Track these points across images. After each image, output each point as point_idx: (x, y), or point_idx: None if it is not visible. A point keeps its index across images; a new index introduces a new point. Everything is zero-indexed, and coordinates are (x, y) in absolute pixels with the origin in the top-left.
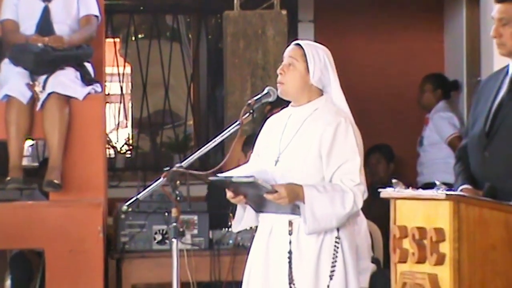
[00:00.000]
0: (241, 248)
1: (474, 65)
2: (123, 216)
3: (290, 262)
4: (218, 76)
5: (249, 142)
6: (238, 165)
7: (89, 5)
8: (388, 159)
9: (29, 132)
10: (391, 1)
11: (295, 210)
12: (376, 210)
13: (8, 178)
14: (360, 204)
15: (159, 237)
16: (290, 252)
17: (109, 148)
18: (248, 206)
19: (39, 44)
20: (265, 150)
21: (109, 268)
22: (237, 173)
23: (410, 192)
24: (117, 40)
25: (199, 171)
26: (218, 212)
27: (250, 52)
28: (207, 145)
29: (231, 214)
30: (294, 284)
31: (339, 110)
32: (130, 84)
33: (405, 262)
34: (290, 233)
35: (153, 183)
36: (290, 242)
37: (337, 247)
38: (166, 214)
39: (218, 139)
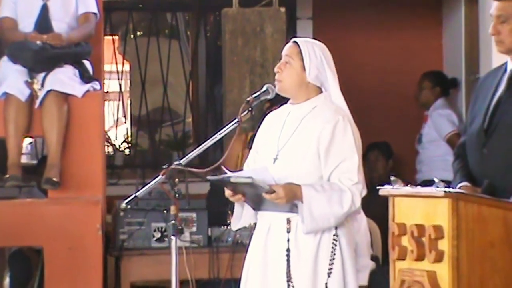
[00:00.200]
0: (240, 246)
1: (472, 62)
2: (122, 213)
3: (288, 260)
4: (216, 73)
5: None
6: (237, 162)
7: (88, 2)
8: (386, 157)
9: (27, 130)
10: None
11: (293, 208)
12: (375, 207)
13: (7, 175)
14: (358, 203)
15: (158, 235)
16: (288, 250)
17: (107, 146)
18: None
19: (38, 42)
20: (263, 148)
21: (108, 266)
22: (236, 173)
23: (408, 189)
24: (116, 37)
25: (198, 169)
26: (217, 209)
27: (249, 50)
28: (206, 142)
29: (230, 212)
30: (292, 282)
31: (337, 108)
32: (128, 81)
33: (404, 259)
34: (288, 230)
35: (152, 180)
36: (288, 240)
37: (335, 245)
38: (165, 211)
39: (217, 137)
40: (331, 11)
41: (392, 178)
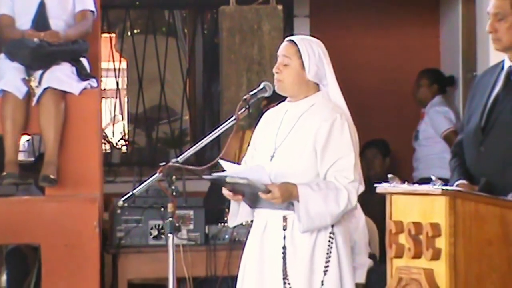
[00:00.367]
0: (237, 243)
1: (470, 60)
2: (119, 211)
3: (284, 258)
4: (214, 71)
5: None
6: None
7: (85, 0)
8: (384, 154)
9: (25, 127)
10: None
11: (289, 206)
12: (372, 205)
13: (4, 173)
14: (354, 202)
15: (155, 232)
16: (284, 248)
17: (105, 143)
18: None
19: (35, 39)
20: (261, 145)
21: (105, 263)
22: (232, 171)
23: (406, 187)
24: (113, 35)
25: (195, 166)
26: (214, 207)
27: (246, 47)
28: (203, 140)
29: (227, 209)
30: (288, 279)
31: (335, 106)
32: (126, 79)
33: (401, 257)
34: (285, 228)
35: (149, 178)
36: (284, 238)
37: (331, 243)
38: (162, 209)
39: (214, 134)
40: (328, 9)
41: (389, 175)
